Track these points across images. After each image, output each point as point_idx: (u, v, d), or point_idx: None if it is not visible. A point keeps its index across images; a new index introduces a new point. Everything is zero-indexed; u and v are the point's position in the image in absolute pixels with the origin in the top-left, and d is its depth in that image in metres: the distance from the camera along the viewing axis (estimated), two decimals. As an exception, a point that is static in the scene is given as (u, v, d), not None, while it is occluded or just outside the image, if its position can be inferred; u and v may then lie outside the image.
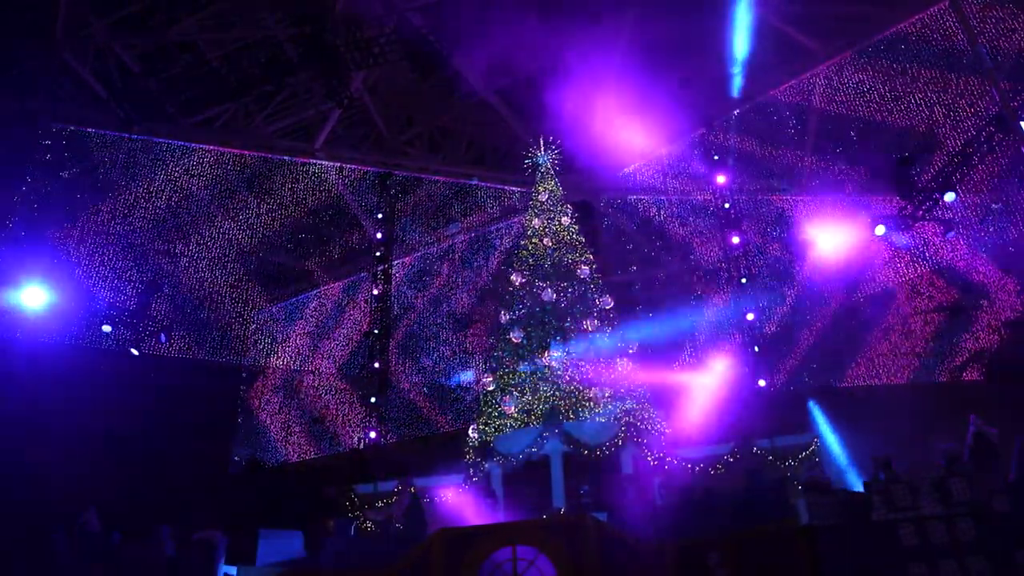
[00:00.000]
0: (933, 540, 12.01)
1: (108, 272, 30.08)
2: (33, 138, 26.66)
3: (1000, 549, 11.67)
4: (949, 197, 20.00)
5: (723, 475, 19.49)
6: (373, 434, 29.20)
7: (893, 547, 12.11)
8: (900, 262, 27.42)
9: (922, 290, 27.28)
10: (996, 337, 24.22)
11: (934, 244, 26.03)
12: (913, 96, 26.25)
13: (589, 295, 23.92)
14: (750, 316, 27.13)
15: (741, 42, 26.60)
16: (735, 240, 28.42)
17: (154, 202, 31.35)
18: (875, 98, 27.19)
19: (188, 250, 32.04)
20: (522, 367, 22.50)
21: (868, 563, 12.08)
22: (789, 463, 19.46)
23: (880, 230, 23.48)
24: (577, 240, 25.51)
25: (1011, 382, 20.49)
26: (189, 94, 21.89)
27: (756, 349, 26.56)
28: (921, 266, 27.04)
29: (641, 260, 33.13)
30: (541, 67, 29.17)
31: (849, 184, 28.56)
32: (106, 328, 22.08)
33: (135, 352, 22.33)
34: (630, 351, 23.23)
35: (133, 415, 27.90)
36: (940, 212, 21.87)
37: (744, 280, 27.68)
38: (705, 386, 24.68)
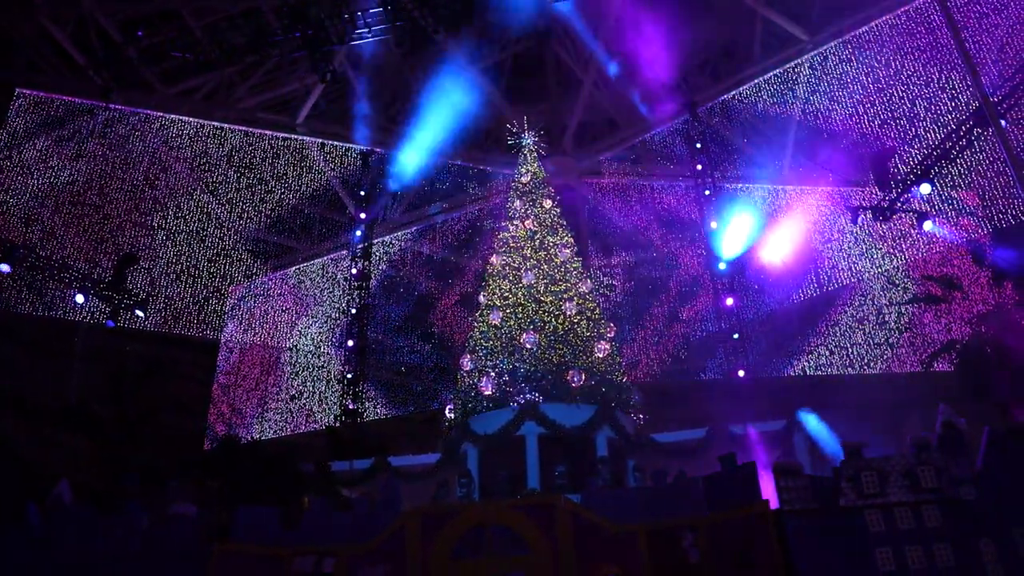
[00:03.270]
0: (900, 526, 12.26)
1: (83, 242, 29.73)
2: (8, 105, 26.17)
3: (965, 536, 11.94)
4: (924, 189, 20.20)
5: (696, 459, 19.72)
6: (350, 405, 29.13)
7: (860, 532, 12.35)
8: (876, 252, 27.76)
9: (897, 281, 27.64)
10: (968, 329, 24.60)
11: (910, 236, 26.39)
12: (895, 89, 26.49)
13: (569, 278, 23.97)
14: (729, 301, 27.32)
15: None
16: (714, 225, 28.56)
17: (132, 173, 30.98)
18: (858, 90, 27.41)
19: (166, 223, 31.70)
20: (500, 348, 22.55)
21: (835, 547, 12.31)
22: (761, 448, 19.70)
23: (860, 221, 23.72)
24: (558, 223, 25.52)
25: (981, 373, 20.84)
26: (170, 64, 21.55)
27: (736, 336, 26.77)
28: (897, 257, 27.39)
29: (622, 244, 33.26)
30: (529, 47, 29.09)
31: (829, 174, 28.82)
32: (79, 299, 21.75)
33: (111, 324, 22.07)
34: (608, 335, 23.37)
35: (108, 388, 27.67)
36: (917, 204, 22.11)
37: (723, 265, 27.83)
38: None
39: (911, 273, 27.12)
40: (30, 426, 24.23)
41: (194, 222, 32.26)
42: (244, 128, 31.38)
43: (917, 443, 12.90)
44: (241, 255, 33.41)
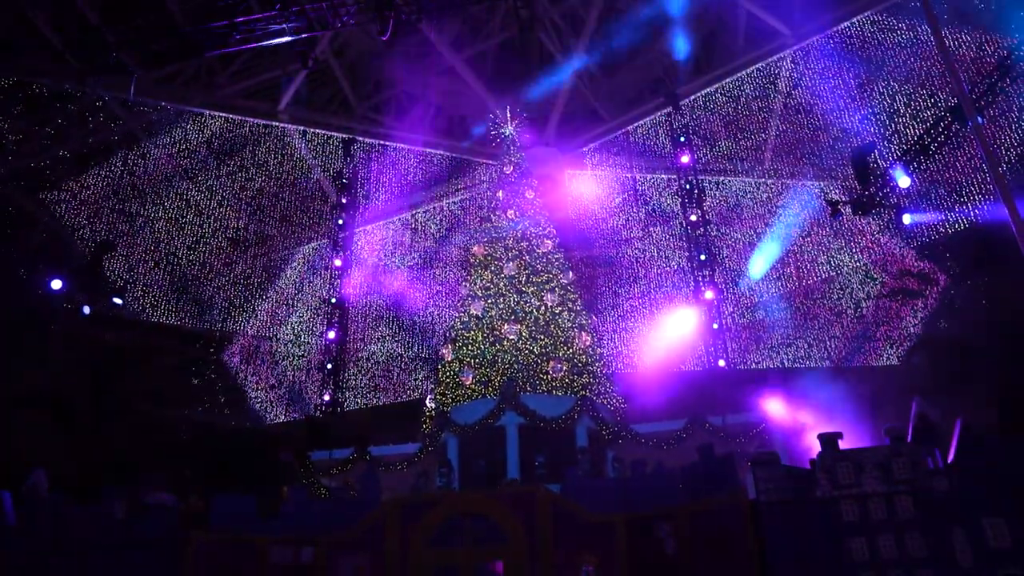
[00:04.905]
0: (873, 516, 12.44)
1: (60, 227, 29.35)
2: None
3: (936, 526, 12.13)
4: (904, 182, 20.36)
5: (675, 450, 19.87)
6: (327, 397, 29.01)
7: (835, 522, 12.51)
8: (855, 246, 28.02)
9: (875, 275, 27.92)
10: (943, 322, 24.94)
11: (889, 230, 26.65)
12: (876, 84, 26.69)
13: (551, 269, 24.01)
14: (709, 294, 27.47)
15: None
16: (693, 218, 28.71)
17: (110, 159, 30.60)
18: (840, 84, 27.59)
19: (144, 210, 31.34)
20: (481, 339, 22.56)
21: (810, 537, 12.47)
22: (739, 440, 19.86)
23: (839, 215, 23.89)
24: (540, 214, 25.53)
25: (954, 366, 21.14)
26: (149, 48, 21.17)
27: (715, 327, 26.94)
28: (875, 251, 27.66)
29: (604, 235, 33.31)
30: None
31: (809, 168, 29.02)
32: (56, 284, 21.41)
33: (87, 311, 21.74)
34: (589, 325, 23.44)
35: (84, 376, 27.39)
36: (896, 198, 22.30)
37: (703, 257, 27.97)
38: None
39: (889, 267, 27.43)
40: (4, 415, 23.93)
41: (173, 209, 31.93)
42: (225, 114, 31.07)
43: (891, 435, 13.07)
44: (220, 243, 33.12)
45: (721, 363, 26.13)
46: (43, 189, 29.26)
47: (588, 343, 22.76)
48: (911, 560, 12.02)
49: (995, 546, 11.80)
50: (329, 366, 29.72)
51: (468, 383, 21.87)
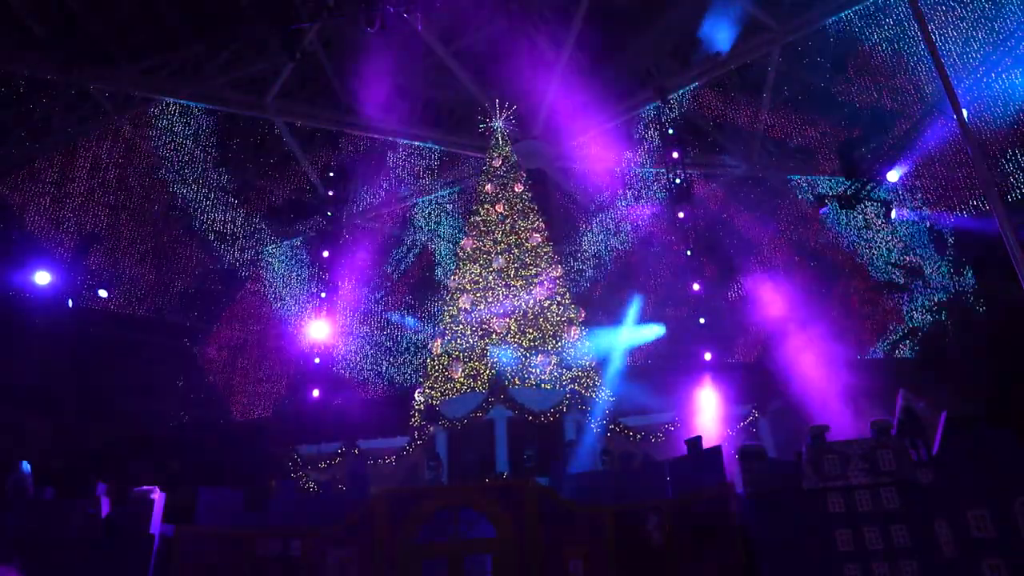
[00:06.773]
0: (859, 508, 12.55)
1: (44, 220, 29.10)
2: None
3: (921, 518, 12.24)
4: (892, 176, 20.49)
5: (663, 442, 19.96)
6: (316, 392, 28.85)
7: (821, 514, 12.61)
8: (843, 240, 28.16)
9: (862, 269, 28.08)
10: (930, 316, 25.12)
11: (876, 224, 26.79)
12: (863, 78, 26.79)
13: (539, 263, 24.01)
14: (696, 287, 27.50)
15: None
16: (681, 215, 28.72)
17: (96, 152, 30.31)
18: (826, 79, 27.69)
19: (131, 202, 31.08)
20: (470, 332, 22.54)
21: (797, 528, 12.56)
22: (726, 432, 19.97)
23: (825, 210, 24.01)
24: (529, 207, 25.51)
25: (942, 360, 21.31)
26: (135, 39, 21.00)
27: (701, 321, 26.97)
28: (863, 245, 27.81)
29: (592, 230, 33.34)
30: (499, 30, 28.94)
31: (797, 163, 29.14)
32: (40, 277, 21.24)
33: (70, 304, 21.57)
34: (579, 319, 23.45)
35: (69, 369, 27.21)
36: (884, 193, 22.45)
37: (689, 252, 28.00)
38: None
39: (875, 260, 27.58)
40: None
41: (159, 201, 31.69)
42: (211, 107, 30.82)
43: (877, 427, 13.18)
44: (207, 236, 32.90)
45: (708, 356, 26.17)
46: (25, 181, 28.96)
47: (577, 336, 22.79)
48: (896, 551, 12.13)
49: (979, 537, 11.92)
50: (317, 360, 29.57)
51: (457, 376, 21.87)
